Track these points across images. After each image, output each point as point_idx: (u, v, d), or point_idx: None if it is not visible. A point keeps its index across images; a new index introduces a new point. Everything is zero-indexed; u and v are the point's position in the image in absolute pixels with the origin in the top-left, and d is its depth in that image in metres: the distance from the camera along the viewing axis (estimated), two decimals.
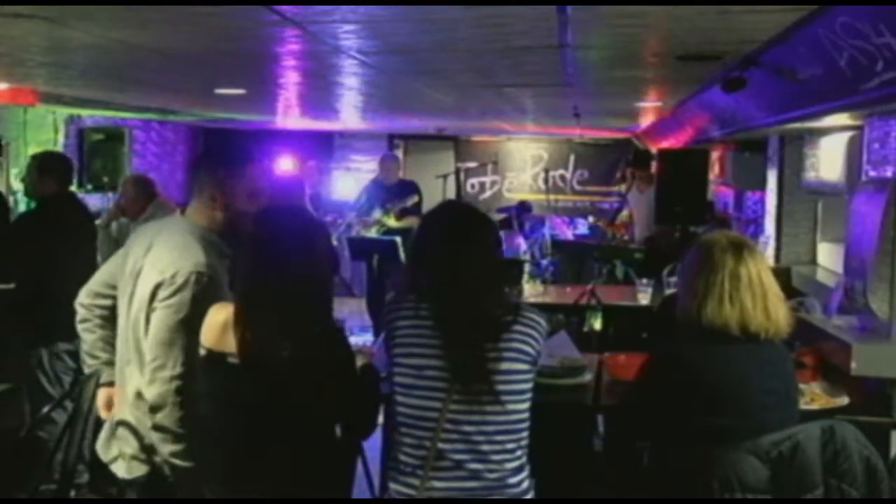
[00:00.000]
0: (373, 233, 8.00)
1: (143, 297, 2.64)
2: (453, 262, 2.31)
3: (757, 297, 2.53)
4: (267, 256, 2.31)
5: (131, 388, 2.68)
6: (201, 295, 2.56)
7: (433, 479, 2.25)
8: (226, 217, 2.74)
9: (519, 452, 2.32)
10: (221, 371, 2.31)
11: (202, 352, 2.36)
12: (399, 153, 11.58)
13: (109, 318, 2.88)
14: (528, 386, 2.33)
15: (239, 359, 2.27)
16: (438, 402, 2.25)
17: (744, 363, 2.53)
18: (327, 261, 2.42)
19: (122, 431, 2.70)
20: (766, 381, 2.54)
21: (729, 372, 2.53)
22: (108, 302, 2.89)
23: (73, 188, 7.34)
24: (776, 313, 2.55)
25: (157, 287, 2.60)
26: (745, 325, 2.51)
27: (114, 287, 2.85)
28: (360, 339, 7.97)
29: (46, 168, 4.87)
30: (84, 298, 2.94)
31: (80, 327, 2.95)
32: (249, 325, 2.27)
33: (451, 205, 2.72)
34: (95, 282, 2.95)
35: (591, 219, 10.31)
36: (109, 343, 2.88)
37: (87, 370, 2.98)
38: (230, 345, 2.29)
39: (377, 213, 8.07)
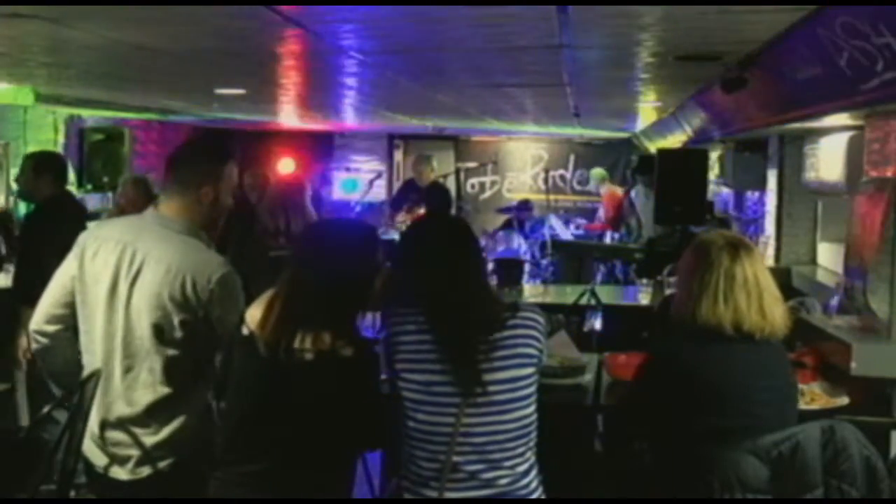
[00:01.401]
0: (391, 234, 8.02)
1: (163, 300, 2.60)
2: (442, 266, 2.34)
3: (752, 297, 2.53)
4: (323, 267, 2.32)
5: (142, 395, 2.65)
6: (237, 291, 2.65)
7: (447, 491, 2.26)
8: (211, 213, 2.75)
9: (528, 454, 2.34)
10: (253, 356, 2.30)
11: (245, 331, 2.35)
12: (399, 153, 11.59)
13: (72, 338, 2.77)
14: (535, 388, 2.34)
15: (264, 349, 2.27)
16: (449, 416, 2.25)
17: (740, 362, 2.54)
18: (367, 273, 2.40)
19: (119, 437, 2.68)
20: (763, 381, 2.54)
21: (725, 371, 2.53)
22: (69, 322, 2.75)
23: (73, 188, 7.37)
24: (772, 313, 2.55)
25: (195, 293, 2.59)
26: (738, 324, 2.52)
27: (70, 304, 2.73)
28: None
29: (43, 168, 4.86)
30: (44, 325, 2.75)
31: (43, 355, 2.78)
32: (283, 322, 2.27)
33: (428, 218, 2.78)
34: (51, 304, 2.75)
35: (582, 222, 10.34)
36: (74, 359, 2.79)
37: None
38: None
39: (402, 216, 8.09)
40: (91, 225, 3.21)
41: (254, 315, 2.34)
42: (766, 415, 2.51)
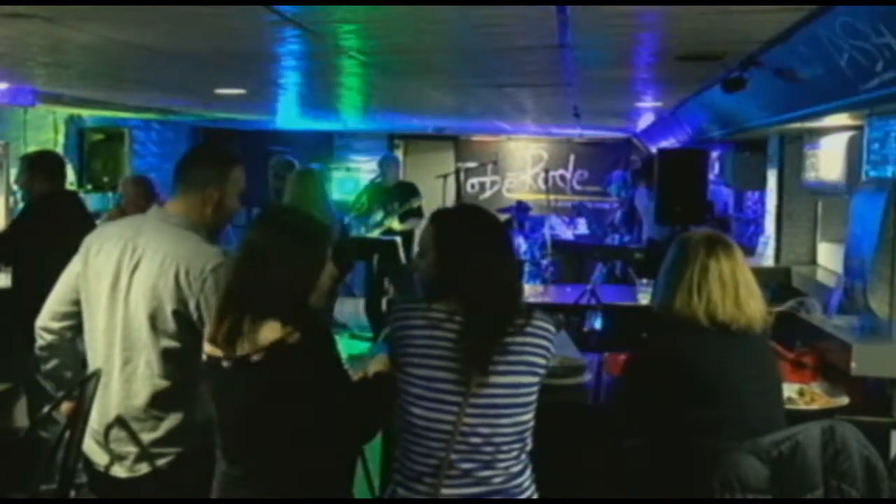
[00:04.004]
0: (374, 234, 8.00)
1: (158, 290, 2.62)
2: (489, 264, 2.31)
3: (727, 289, 2.58)
4: (251, 257, 2.31)
5: (140, 387, 2.66)
6: None
7: (441, 487, 2.26)
8: (215, 214, 2.76)
9: (523, 456, 2.34)
10: (218, 373, 2.30)
11: (203, 357, 2.36)
12: (399, 153, 11.58)
13: (74, 339, 2.81)
14: (535, 396, 2.33)
15: (216, 355, 2.27)
16: (449, 414, 2.24)
17: (718, 353, 2.58)
18: (316, 265, 2.36)
19: (118, 433, 2.69)
20: (743, 371, 2.58)
21: (705, 361, 2.58)
22: (75, 321, 2.80)
23: (73, 188, 7.36)
24: (748, 305, 2.59)
25: (188, 282, 2.60)
26: (712, 315, 2.57)
27: (76, 302, 2.78)
28: (360, 342, 7.95)
29: (34, 166, 4.92)
30: (50, 322, 2.81)
31: (45, 353, 2.82)
32: (228, 324, 2.26)
33: (474, 208, 2.71)
34: (57, 301, 2.81)
35: (585, 224, 10.28)
36: (76, 361, 2.83)
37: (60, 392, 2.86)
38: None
39: (379, 216, 8.06)
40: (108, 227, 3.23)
41: (212, 334, 2.32)
42: (751, 405, 2.54)
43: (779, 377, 2.78)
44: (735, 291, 2.58)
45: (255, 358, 2.22)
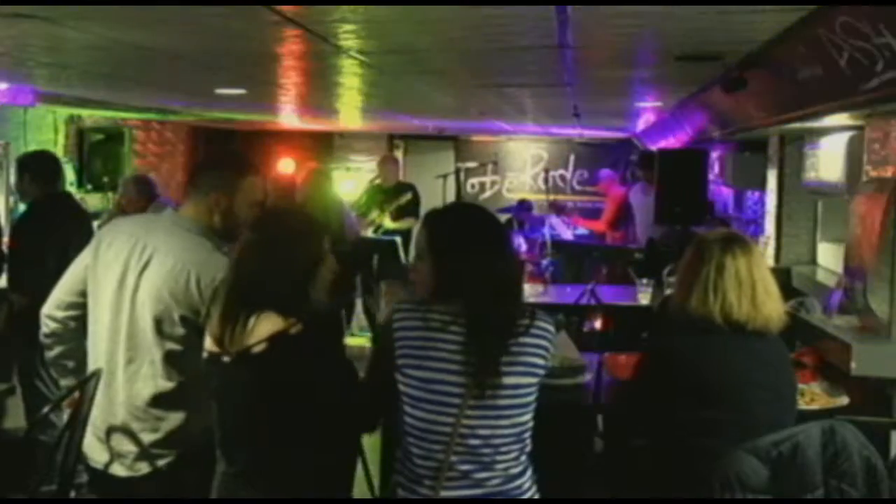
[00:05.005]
0: (370, 233, 8.00)
1: (166, 294, 2.62)
2: (487, 264, 2.28)
3: (744, 288, 2.56)
4: (248, 254, 2.33)
5: (142, 387, 2.67)
6: None
7: (441, 490, 2.26)
8: (223, 221, 2.74)
9: (522, 457, 2.33)
10: (219, 370, 2.31)
11: (204, 355, 2.37)
12: (399, 153, 11.59)
13: (81, 327, 2.82)
14: (535, 397, 2.32)
15: (217, 352, 2.28)
16: (448, 416, 2.24)
17: (731, 354, 2.56)
18: (310, 258, 2.37)
19: (119, 432, 2.69)
20: (755, 374, 2.56)
21: (716, 362, 2.56)
22: (79, 312, 2.81)
23: (73, 188, 7.38)
24: (765, 305, 2.57)
25: (198, 290, 2.59)
26: (727, 314, 2.55)
27: (83, 294, 2.79)
28: (361, 341, 7.93)
29: (23, 168, 4.93)
30: (55, 311, 2.82)
31: (48, 340, 2.84)
32: (228, 320, 2.27)
33: (471, 206, 2.69)
34: (64, 291, 2.83)
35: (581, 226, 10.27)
36: (80, 351, 2.83)
37: (62, 380, 2.91)
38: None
39: (374, 214, 8.08)
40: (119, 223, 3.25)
41: (212, 331, 2.33)
42: (762, 409, 2.52)
43: (793, 383, 2.75)
44: (752, 291, 2.55)
45: (256, 349, 2.23)
